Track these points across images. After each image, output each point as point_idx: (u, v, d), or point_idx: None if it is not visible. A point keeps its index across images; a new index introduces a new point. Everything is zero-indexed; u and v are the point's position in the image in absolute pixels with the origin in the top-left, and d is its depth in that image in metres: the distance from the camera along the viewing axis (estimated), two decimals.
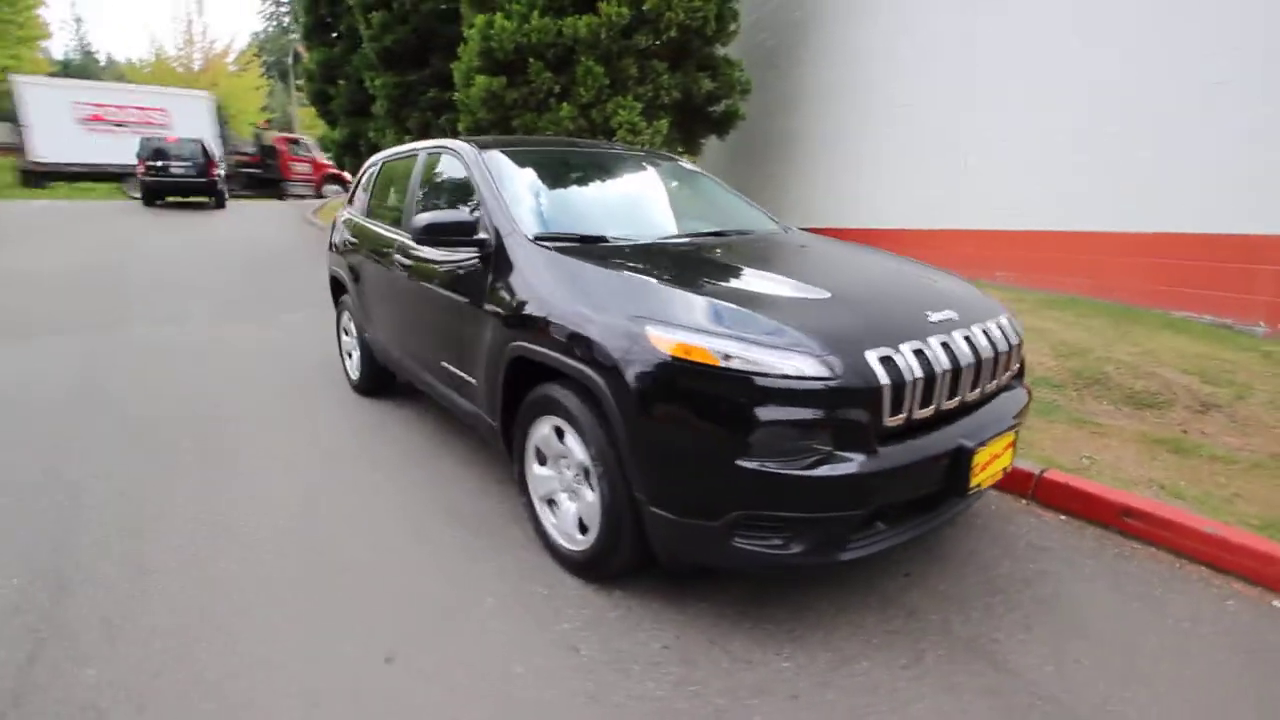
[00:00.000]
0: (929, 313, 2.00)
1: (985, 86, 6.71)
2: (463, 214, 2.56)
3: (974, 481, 1.88)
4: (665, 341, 1.78)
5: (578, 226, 2.60)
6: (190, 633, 1.99)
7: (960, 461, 1.86)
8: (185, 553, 2.42)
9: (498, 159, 2.86)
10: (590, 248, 2.39)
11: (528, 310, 2.23)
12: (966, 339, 1.97)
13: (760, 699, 1.72)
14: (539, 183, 2.84)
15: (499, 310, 2.39)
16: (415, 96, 10.62)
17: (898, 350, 1.80)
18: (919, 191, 7.64)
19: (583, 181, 3.06)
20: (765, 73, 9.67)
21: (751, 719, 1.66)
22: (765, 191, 9.50)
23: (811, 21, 9.30)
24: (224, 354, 5.24)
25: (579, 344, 1.99)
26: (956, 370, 1.90)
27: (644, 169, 3.42)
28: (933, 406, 1.86)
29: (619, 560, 2.07)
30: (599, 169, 3.20)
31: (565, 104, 7.78)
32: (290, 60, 28.00)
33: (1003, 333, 2.13)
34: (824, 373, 1.69)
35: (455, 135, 10.77)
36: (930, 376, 1.83)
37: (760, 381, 1.69)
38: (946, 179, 7.32)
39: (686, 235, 2.76)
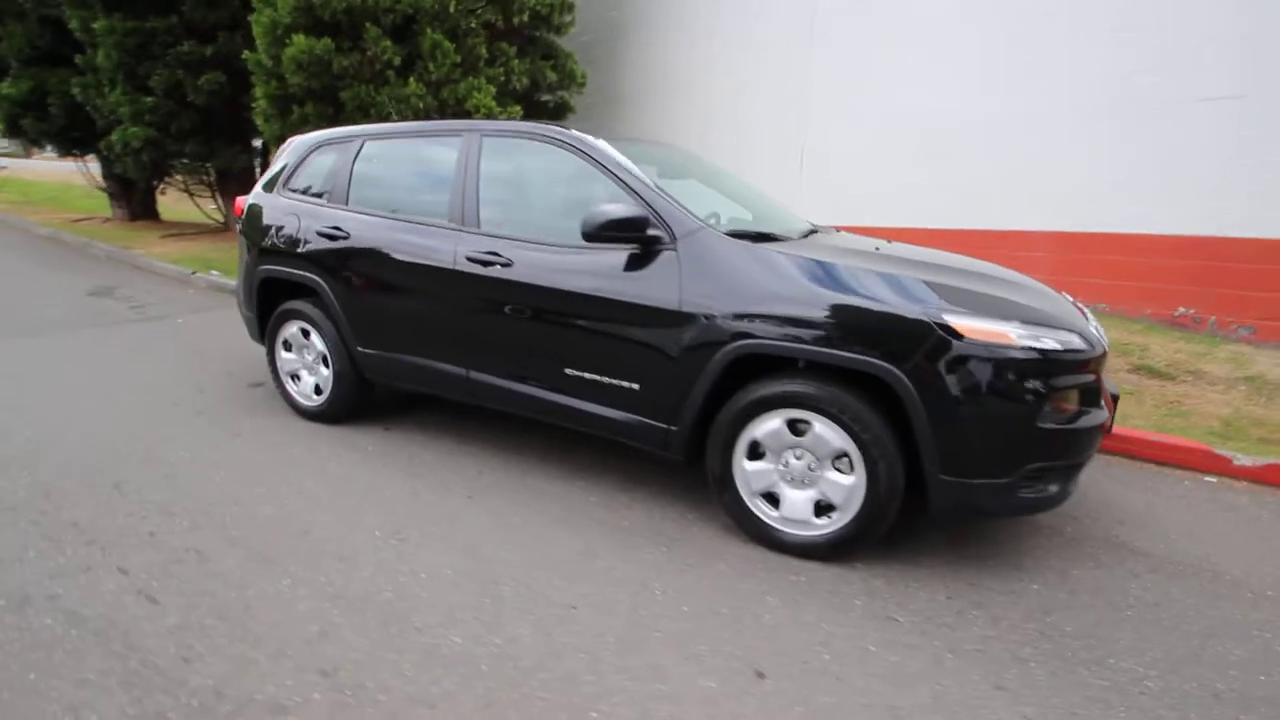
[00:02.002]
0: (1067, 295, 2.58)
1: (792, 104, 7.87)
2: (634, 209, 2.39)
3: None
4: (969, 329, 2.03)
5: (723, 221, 2.62)
6: None
7: (1114, 406, 2.47)
8: (350, 657, 1.90)
9: (623, 149, 2.68)
10: (786, 243, 2.47)
11: (771, 309, 2.24)
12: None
13: (1053, 615, 2.10)
14: (665, 175, 2.75)
15: (709, 312, 2.33)
16: (159, 49, 8.38)
17: (1090, 323, 2.32)
18: None
19: (680, 174, 3.01)
20: (584, 68, 9.86)
21: (1064, 629, 2.04)
22: None
23: (630, 22, 9.73)
24: (55, 380, 3.80)
25: (862, 337, 2.11)
26: None
27: (690, 159, 3.45)
28: None
29: (881, 532, 2.26)
30: (669, 159, 3.16)
31: (412, 80, 7.01)
32: None
33: None
34: (1084, 345, 2.12)
35: (237, 100, 8.77)
36: None
37: (1050, 356, 2.06)
38: (767, 183, 8.43)
39: (803, 230, 2.94)
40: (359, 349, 3.25)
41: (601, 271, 2.54)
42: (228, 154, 9.17)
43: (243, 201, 3.76)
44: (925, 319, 2.06)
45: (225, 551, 2.34)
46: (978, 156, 6.33)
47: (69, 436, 3.27)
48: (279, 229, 3.43)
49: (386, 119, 7.10)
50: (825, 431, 2.23)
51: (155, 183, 10.39)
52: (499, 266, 2.73)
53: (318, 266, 3.28)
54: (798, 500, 2.35)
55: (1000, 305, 2.15)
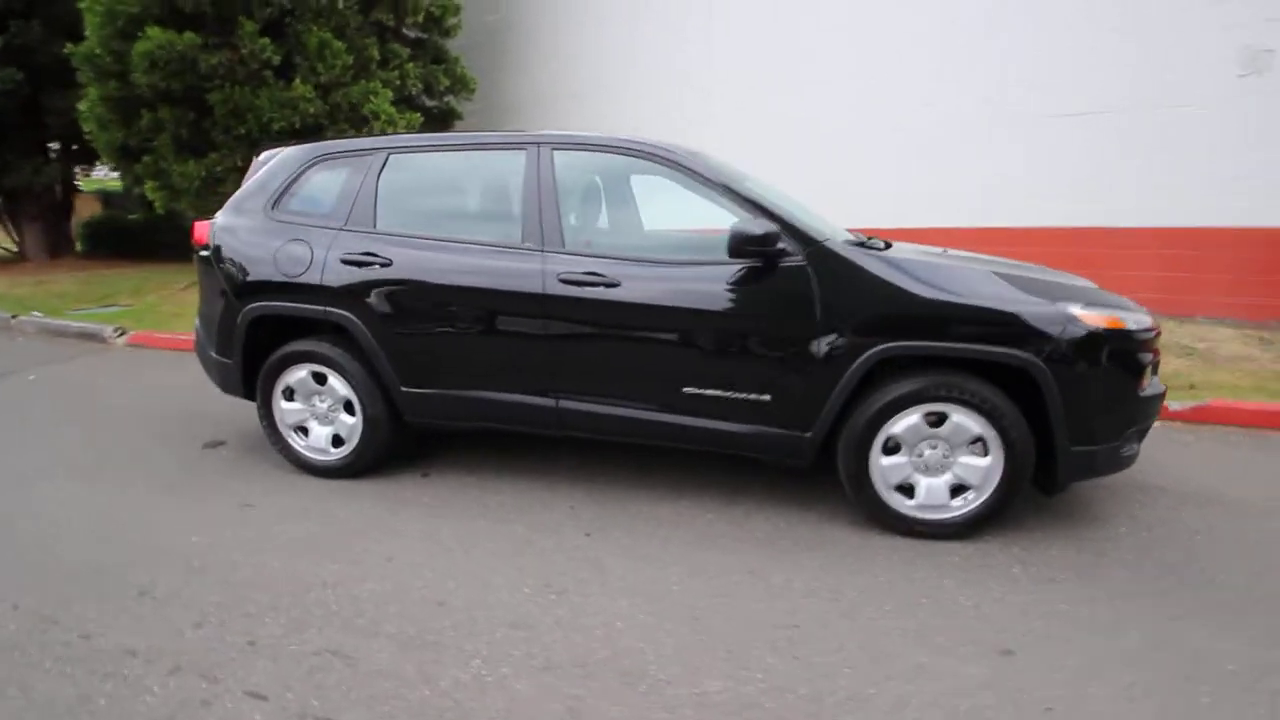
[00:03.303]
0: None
1: (696, 126, 8.18)
2: (769, 224, 2.40)
3: None
4: (1089, 317, 2.32)
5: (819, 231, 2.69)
6: None
7: None
8: None
9: (721, 164, 2.65)
10: (891, 250, 2.62)
11: (916, 312, 2.39)
12: None
13: (1154, 551, 2.46)
14: (751, 189, 2.76)
15: (851, 319, 2.42)
16: None
17: None
18: None
19: (746, 183, 3.01)
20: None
21: (1170, 561, 2.39)
22: None
23: (512, 29, 9.44)
24: None
25: (1004, 331, 2.32)
26: None
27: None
28: None
29: (1011, 504, 2.50)
30: (722, 169, 3.14)
31: (298, 81, 6.23)
32: None
33: None
34: (1152, 323, 2.52)
35: (37, 101, 7.06)
36: None
37: (1141, 335, 2.42)
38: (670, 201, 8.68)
39: (850, 232, 3.11)
40: (404, 389, 2.86)
41: (723, 286, 2.51)
42: (26, 168, 7.41)
43: (205, 227, 3.12)
44: (1056, 312, 2.33)
45: (366, 644, 1.96)
46: (882, 164, 7.04)
47: (20, 542, 2.52)
48: (278, 259, 2.90)
49: (267, 127, 6.23)
50: (964, 420, 2.42)
51: None
52: (602, 287, 2.58)
53: (345, 300, 2.83)
54: (935, 486, 2.51)
55: (1091, 295, 2.50)
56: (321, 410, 3.04)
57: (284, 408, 3.06)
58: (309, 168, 3.00)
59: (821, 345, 2.45)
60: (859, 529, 2.64)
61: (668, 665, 1.88)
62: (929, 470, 2.52)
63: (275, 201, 3.00)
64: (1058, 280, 2.63)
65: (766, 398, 2.55)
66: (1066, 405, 2.34)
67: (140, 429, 3.77)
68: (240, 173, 7.53)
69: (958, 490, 2.51)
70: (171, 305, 6.95)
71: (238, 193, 3.13)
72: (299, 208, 2.98)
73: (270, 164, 3.08)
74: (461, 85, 8.13)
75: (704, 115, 8.02)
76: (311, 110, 6.30)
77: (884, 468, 2.53)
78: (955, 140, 6.68)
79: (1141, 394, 2.44)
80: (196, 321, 3.28)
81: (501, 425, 2.90)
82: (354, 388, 2.92)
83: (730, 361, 2.56)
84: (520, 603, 2.17)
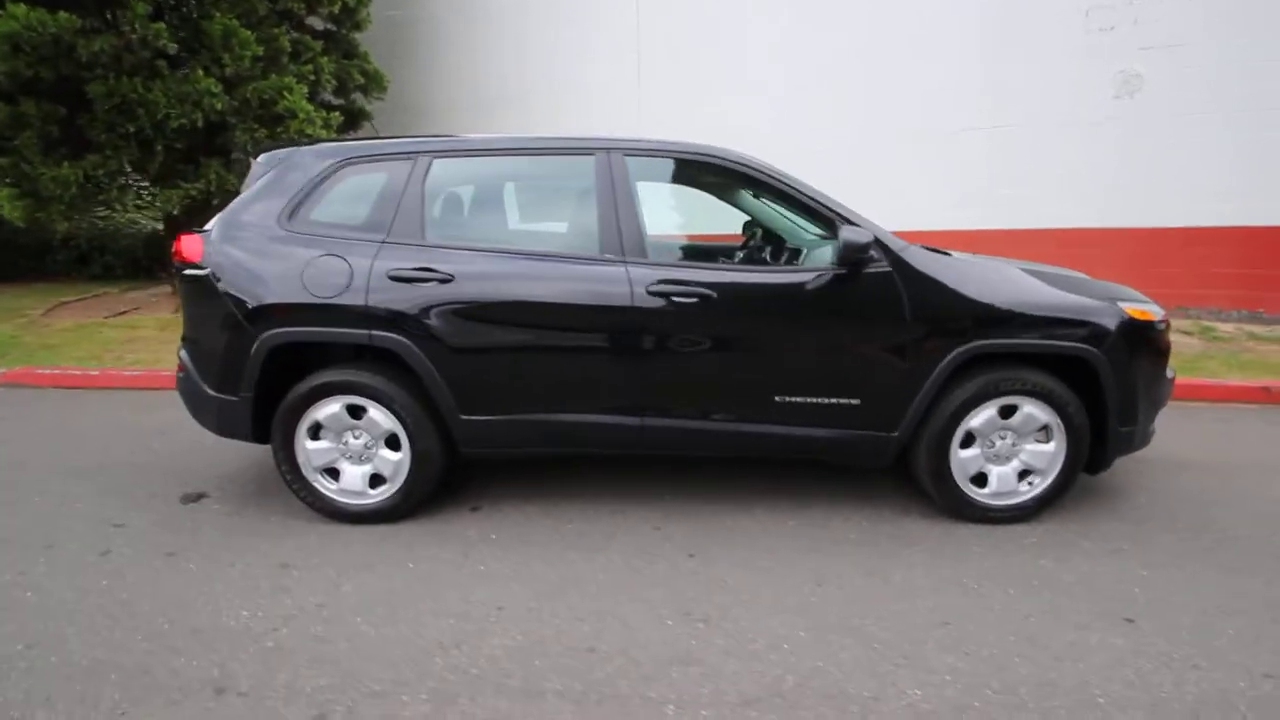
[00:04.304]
0: None
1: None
2: (867, 233, 2.45)
3: None
4: (1134, 311, 2.61)
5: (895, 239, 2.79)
6: None
7: None
8: None
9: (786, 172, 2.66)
10: (962, 256, 2.78)
11: (999, 311, 2.55)
12: None
13: (1179, 514, 2.82)
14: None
15: (938, 320, 2.54)
16: None
17: None
18: None
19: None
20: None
21: (1191, 523, 2.75)
22: None
23: (419, 25, 8.89)
24: None
25: (1070, 326, 2.54)
26: None
27: None
28: None
29: (1071, 487, 2.74)
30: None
31: (201, 73, 5.46)
32: None
33: None
34: (1164, 315, 2.87)
35: None
36: None
37: (1160, 325, 2.75)
38: None
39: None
40: (464, 418, 2.60)
41: (815, 292, 2.54)
42: None
43: (195, 242, 2.64)
44: (1111, 308, 2.59)
45: (538, 708, 1.76)
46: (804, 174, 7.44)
47: (35, 645, 1.98)
48: (306, 277, 2.52)
49: (162, 124, 5.39)
50: (1034, 410, 2.62)
51: None
52: (698, 299, 2.50)
53: (395, 322, 2.51)
54: (1005, 474, 2.70)
55: (1121, 291, 2.81)
56: (356, 448, 2.68)
57: (309, 448, 2.66)
58: (335, 172, 2.63)
59: (911, 346, 2.55)
60: (934, 520, 2.78)
61: (861, 680, 1.86)
62: (999, 459, 2.70)
63: (293, 211, 2.61)
64: (1080, 277, 2.93)
65: (856, 401, 2.61)
66: (1120, 390, 2.62)
67: (79, 485, 3.11)
68: (127, 177, 6.49)
69: (1022, 476, 2.72)
70: (35, 335, 5.80)
71: (236, 201, 2.68)
72: (326, 218, 2.61)
73: (279, 168, 2.66)
74: (375, 83, 7.53)
75: (631, 126, 8.05)
76: (217, 105, 5.53)
77: (962, 460, 2.68)
78: (871, 151, 7.22)
79: (1167, 376, 2.79)
80: (182, 353, 2.76)
81: (575, 449, 2.72)
82: (401, 420, 2.61)
83: (822, 367, 2.59)
84: (672, 637, 2.05)
